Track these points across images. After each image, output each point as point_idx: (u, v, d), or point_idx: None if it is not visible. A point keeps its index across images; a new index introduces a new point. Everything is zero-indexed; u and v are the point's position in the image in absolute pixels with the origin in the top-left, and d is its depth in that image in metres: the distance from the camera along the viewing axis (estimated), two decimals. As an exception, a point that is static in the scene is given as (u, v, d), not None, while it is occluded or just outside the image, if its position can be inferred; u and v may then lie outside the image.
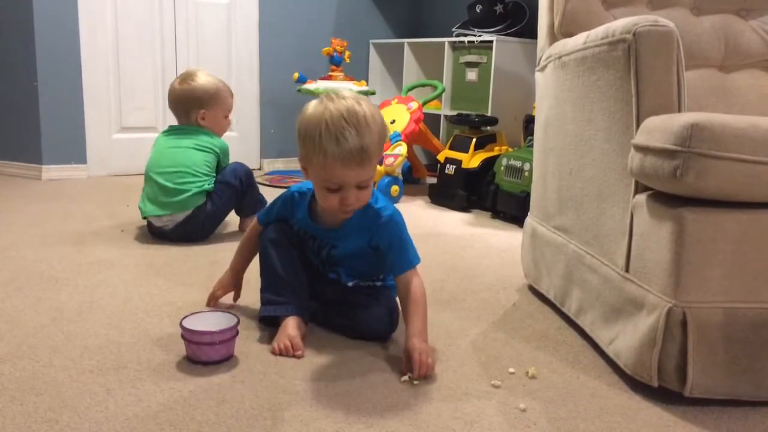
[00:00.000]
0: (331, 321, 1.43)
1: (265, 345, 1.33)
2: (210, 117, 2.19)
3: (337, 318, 1.42)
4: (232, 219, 2.27)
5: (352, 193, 1.28)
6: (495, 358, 1.32)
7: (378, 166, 2.87)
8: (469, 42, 3.29)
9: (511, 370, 1.26)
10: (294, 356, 1.28)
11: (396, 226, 1.36)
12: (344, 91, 1.30)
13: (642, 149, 1.12)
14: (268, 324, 1.39)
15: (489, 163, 2.75)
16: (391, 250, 1.35)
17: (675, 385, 1.13)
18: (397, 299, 1.46)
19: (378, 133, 1.26)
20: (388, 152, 2.90)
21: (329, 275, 1.44)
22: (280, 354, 1.28)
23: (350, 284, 1.45)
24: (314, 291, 1.44)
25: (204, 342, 1.23)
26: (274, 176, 3.38)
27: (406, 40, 3.78)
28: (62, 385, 1.14)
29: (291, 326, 1.32)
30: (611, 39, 1.24)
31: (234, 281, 1.54)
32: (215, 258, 1.94)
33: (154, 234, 2.13)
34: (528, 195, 1.97)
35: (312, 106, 1.29)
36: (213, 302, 1.53)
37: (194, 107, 2.17)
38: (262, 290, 1.41)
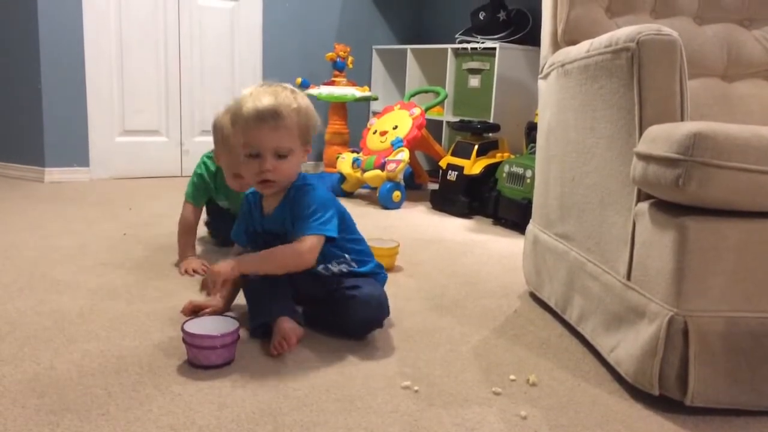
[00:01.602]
0: (325, 322, 1.43)
1: (265, 349, 1.33)
2: None
3: (329, 317, 1.43)
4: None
5: (269, 160, 1.34)
6: (496, 365, 1.32)
7: (379, 172, 2.88)
8: (471, 49, 3.30)
9: (512, 377, 1.26)
10: (290, 347, 1.30)
11: (304, 193, 1.39)
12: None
13: (644, 157, 1.13)
14: (261, 336, 1.39)
15: (491, 170, 2.75)
16: (297, 216, 1.38)
17: (676, 393, 1.13)
18: (384, 288, 1.49)
19: (297, 111, 1.35)
20: (390, 158, 2.90)
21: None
22: (278, 353, 1.29)
23: (326, 273, 1.44)
24: (301, 296, 1.46)
25: (205, 346, 1.23)
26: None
27: (409, 46, 3.79)
28: (64, 387, 1.14)
29: (283, 324, 1.33)
30: (614, 47, 1.24)
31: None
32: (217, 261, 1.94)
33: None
34: (530, 202, 1.97)
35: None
36: (189, 310, 1.48)
37: None
38: (249, 307, 1.43)
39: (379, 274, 1.52)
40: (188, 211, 1.95)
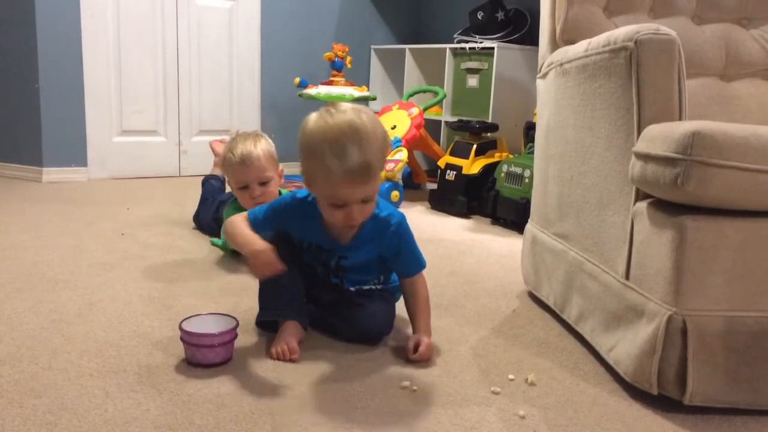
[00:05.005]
0: (328, 324, 1.43)
1: (264, 349, 1.32)
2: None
3: (334, 320, 1.42)
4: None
5: (357, 208, 1.26)
6: (495, 365, 1.32)
7: (378, 172, 2.87)
8: (470, 48, 3.30)
9: (511, 376, 1.26)
10: (290, 360, 1.28)
11: (405, 233, 1.38)
12: (343, 103, 1.27)
13: (643, 157, 1.13)
14: (266, 329, 1.39)
15: (489, 170, 2.75)
16: (400, 255, 1.38)
17: (675, 393, 1.13)
18: (396, 301, 1.48)
19: (380, 147, 1.23)
20: (388, 158, 2.90)
21: (332, 280, 1.44)
22: (278, 359, 1.28)
23: (352, 289, 1.44)
24: (313, 295, 1.44)
25: (203, 344, 1.23)
26: (275, 180, 3.37)
27: (407, 46, 3.79)
28: (61, 387, 1.14)
29: (288, 331, 1.32)
30: (613, 47, 1.24)
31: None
32: (215, 262, 1.95)
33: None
34: (528, 201, 1.97)
35: (312, 121, 1.24)
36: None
37: None
38: (260, 295, 1.41)
39: (397, 286, 1.51)
40: None
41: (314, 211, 1.34)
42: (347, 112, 1.23)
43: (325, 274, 1.44)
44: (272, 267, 1.27)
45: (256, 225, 1.37)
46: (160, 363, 1.25)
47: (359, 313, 1.37)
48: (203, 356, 1.23)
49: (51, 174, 3.18)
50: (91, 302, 1.56)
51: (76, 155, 3.23)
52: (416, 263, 1.40)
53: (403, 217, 1.39)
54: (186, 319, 1.28)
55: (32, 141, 3.17)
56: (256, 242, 1.29)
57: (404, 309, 1.46)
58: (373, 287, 1.45)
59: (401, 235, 1.37)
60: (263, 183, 1.88)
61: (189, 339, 1.24)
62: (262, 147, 1.89)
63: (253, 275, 1.31)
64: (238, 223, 1.36)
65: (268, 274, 1.28)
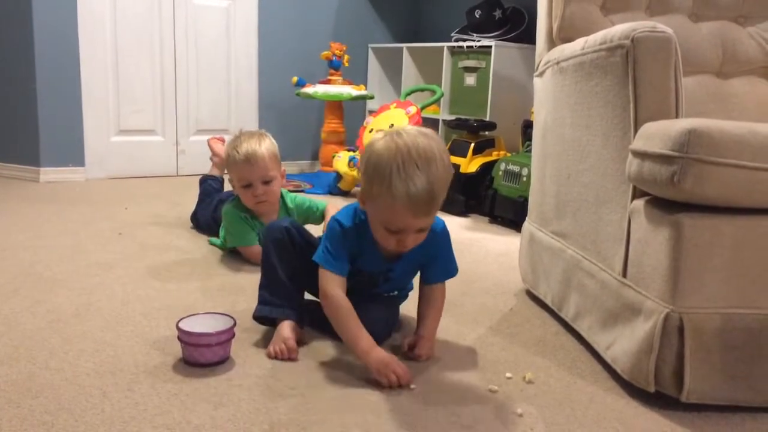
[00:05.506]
0: (328, 324, 1.42)
1: (261, 348, 1.32)
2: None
3: None
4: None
5: (412, 237, 1.23)
6: (492, 363, 1.32)
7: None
8: (467, 47, 3.29)
9: (509, 374, 1.26)
10: (289, 359, 1.28)
11: (446, 238, 1.38)
12: (409, 126, 1.24)
13: (640, 155, 1.13)
14: (263, 323, 1.39)
15: (487, 168, 2.75)
16: (437, 261, 1.38)
17: (672, 390, 1.13)
18: (400, 306, 1.49)
19: (446, 175, 1.20)
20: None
21: (371, 291, 1.41)
22: (276, 358, 1.28)
23: (388, 295, 1.44)
24: (316, 292, 1.44)
25: (201, 344, 1.23)
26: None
27: (405, 45, 3.79)
28: (58, 387, 1.14)
29: (287, 330, 1.32)
30: (609, 44, 1.24)
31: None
32: (213, 261, 1.95)
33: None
34: (526, 200, 1.97)
35: (380, 142, 1.20)
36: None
37: None
38: (261, 287, 1.40)
39: (402, 298, 1.51)
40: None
41: (367, 233, 1.30)
42: (417, 135, 1.19)
43: (367, 291, 1.39)
44: (406, 374, 1.19)
45: (342, 273, 1.30)
46: (157, 363, 1.25)
47: (360, 316, 1.36)
48: (201, 356, 1.23)
49: (48, 174, 3.18)
50: (88, 302, 1.56)
51: (74, 155, 3.22)
52: (448, 271, 1.39)
53: (444, 225, 1.39)
54: (183, 318, 1.28)
55: (30, 141, 3.16)
56: (373, 346, 1.23)
57: (406, 309, 1.46)
58: (394, 293, 1.45)
59: (442, 242, 1.38)
60: (266, 182, 1.89)
61: (186, 338, 1.24)
62: (267, 146, 1.90)
63: (380, 380, 1.19)
64: (347, 314, 1.26)
65: (401, 383, 1.19)
